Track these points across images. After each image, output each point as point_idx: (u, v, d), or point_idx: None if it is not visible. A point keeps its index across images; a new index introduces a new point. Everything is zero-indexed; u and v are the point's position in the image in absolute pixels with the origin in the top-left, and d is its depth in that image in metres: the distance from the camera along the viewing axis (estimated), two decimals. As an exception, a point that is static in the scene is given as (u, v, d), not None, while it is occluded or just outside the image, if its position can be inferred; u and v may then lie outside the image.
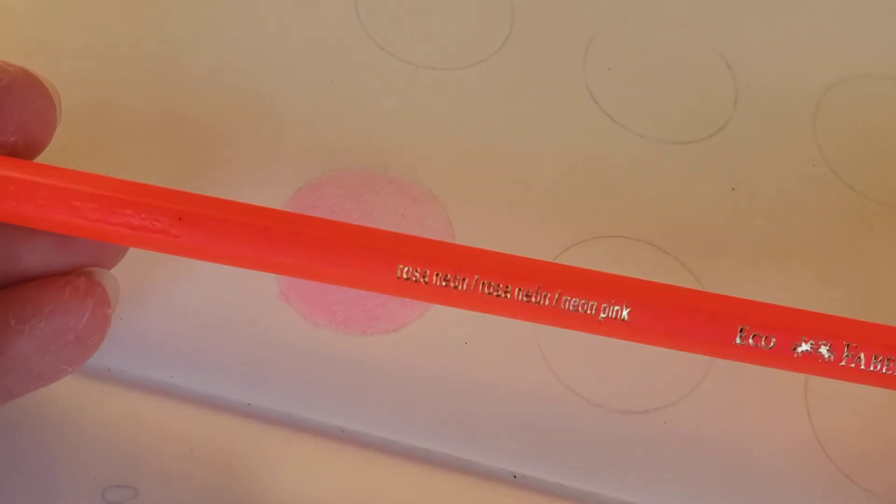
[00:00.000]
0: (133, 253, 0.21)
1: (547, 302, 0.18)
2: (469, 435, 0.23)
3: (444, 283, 0.18)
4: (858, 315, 0.25)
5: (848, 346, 0.18)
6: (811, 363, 0.19)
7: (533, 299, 0.18)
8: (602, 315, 0.18)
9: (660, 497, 0.23)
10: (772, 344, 0.18)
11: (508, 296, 0.18)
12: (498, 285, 0.18)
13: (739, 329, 0.18)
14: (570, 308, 0.18)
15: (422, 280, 0.18)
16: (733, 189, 0.27)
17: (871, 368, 0.18)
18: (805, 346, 0.18)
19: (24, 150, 0.20)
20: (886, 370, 0.18)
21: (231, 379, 0.23)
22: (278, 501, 0.22)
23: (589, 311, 0.18)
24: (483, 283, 0.18)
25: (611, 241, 0.26)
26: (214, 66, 0.28)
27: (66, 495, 0.22)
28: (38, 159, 0.21)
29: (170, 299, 0.24)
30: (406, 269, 0.18)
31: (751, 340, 0.18)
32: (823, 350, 0.18)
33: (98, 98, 0.27)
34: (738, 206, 0.27)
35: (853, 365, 0.18)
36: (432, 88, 0.28)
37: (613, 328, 0.19)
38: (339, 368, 0.23)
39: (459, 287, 0.18)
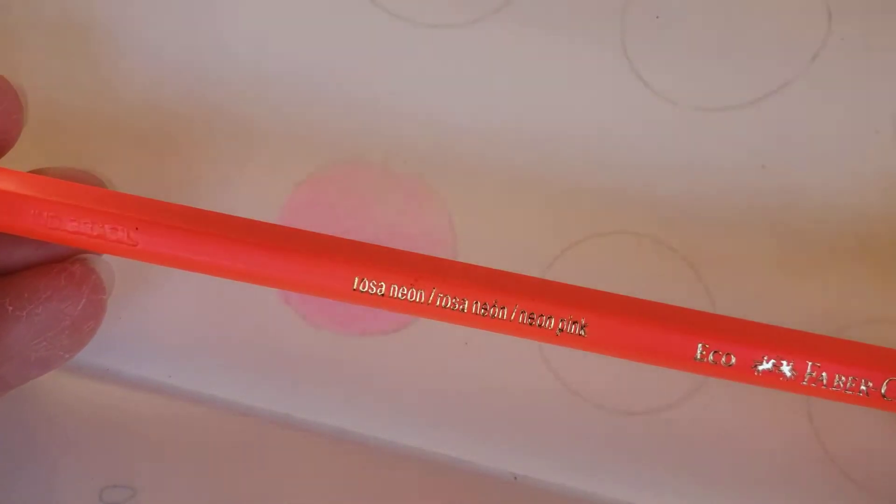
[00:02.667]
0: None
1: (503, 315, 0.18)
2: (469, 436, 0.23)
3: (401, 297, 0.18)
4: (863, 312, 0.25)
5: (810, 365, 0.18)
6: (773, 381, 0.18)
7: (489, 313, 0.18)
8: (559, 329, 0.18)
9: (661, 497, 0.23)
10: (732, 362, 0.18)
11: (465, 310, 0.18)
12: (455, 298, 0.18)
13: (699, 346, 0.18)
14: (527, 322, 0.18)
15: (378, 293, 0.18)
16: (763, 167, 0.24)
17: (835, 388, 0.18)
18: (766, 365, 0.18)
19: None
20: (849, 391, 0.18)
21: (230, 380, 0.23)
22: (276, 502, 0.22)
23: (546, 326, 0.18)
24: (440, 297, 0.18)
25: (614, 238, 0.26)
26: (213, 60, 0.27)
27: (64, 495, 0.22)
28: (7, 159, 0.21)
29: (168, 300, 0.24)
30: (363, 282, 0.18)
31: (710, 358, 0.18)
32: (785, 369, 0.18)
33: (94, 95, 0.27)
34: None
35: (814, 385, 0.18)
36: (436, 84, 0.27)
37: (571, 342, 0.19)
38: (339, 369, 0.23)
39: (416, 300, 0.18)
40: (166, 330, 0.23)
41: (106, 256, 0.21)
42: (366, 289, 0.18)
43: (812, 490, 0.23)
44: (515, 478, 0.23)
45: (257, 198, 0.25)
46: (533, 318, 0.18)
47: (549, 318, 0.18)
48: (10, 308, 0.19)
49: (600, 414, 0.23)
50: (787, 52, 0.24)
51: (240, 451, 0.22)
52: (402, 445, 0.23)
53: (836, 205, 0.24)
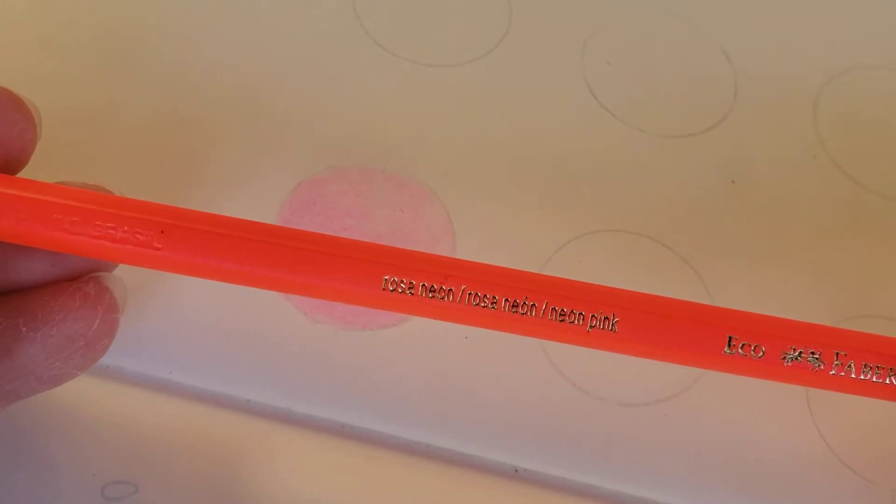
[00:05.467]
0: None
1: (534, 313, 0.18)
2: (470, 429, 0.23)
3: (430, 295, 0.18)
4: (856, 308, 0.25)
5: (838, 354, 0.18)
6: (801, 372, 0.18)
7: (520, 310, 0.18)
8: (590, 326, 0.18)
9: (662, 490, 0.23)
10: (761, 353, 0.18)
11: (495, 307, 0.18)
12: (485, 296, 0.18)
13: (728, 339, 0.18)
14: (558, 319, 0.18)
15: (407, 292, 0.18)
16: (733, 181, 0.27)
17: (862, 377, 0.18)
18: (794, 355, 0.18)
19: (3, 170, 0.20)
20: (877, 379, 0.18)
21: (230, 375, 0.23)
22: (278, 497, 0.22)
23: (577, 322, 0.18)
24: (469, 294, 0.18)
25: (610, 236, 0.26)
26: (213, 64, 0.28)
27: (66, 491, 0.22)
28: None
29: (169, 296, 0.24)
30: (391, 281, 0.18)
31: (740, 350, 0.18)
32: (813, 359, 0.18)
33: (97, 97, 0.27)
34: (738, 198, 0.27)
35: (843, 374, 0.18)
36: (431, 85, 0.28)
37: (602, 339, 0.18)
38: (339, 364, 0.23)
39: (446, 298, 0.18)
40: (167, 326, 0.23)
41: (118, 270, 0.21)
42: (395, 288, 0.18)
43: (811, 479, 0.23)
44: (517, 471, 0.23)
45: (257, 199, 0.25)
46: (564, 315, 0.18)
47: (580, 314, 0.18)
48: (24, 329, 0.18)
49: (601, 406, 0.24)
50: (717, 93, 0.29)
51: (241, 445, 0.22)
52: (403, 439, 0.23)
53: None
